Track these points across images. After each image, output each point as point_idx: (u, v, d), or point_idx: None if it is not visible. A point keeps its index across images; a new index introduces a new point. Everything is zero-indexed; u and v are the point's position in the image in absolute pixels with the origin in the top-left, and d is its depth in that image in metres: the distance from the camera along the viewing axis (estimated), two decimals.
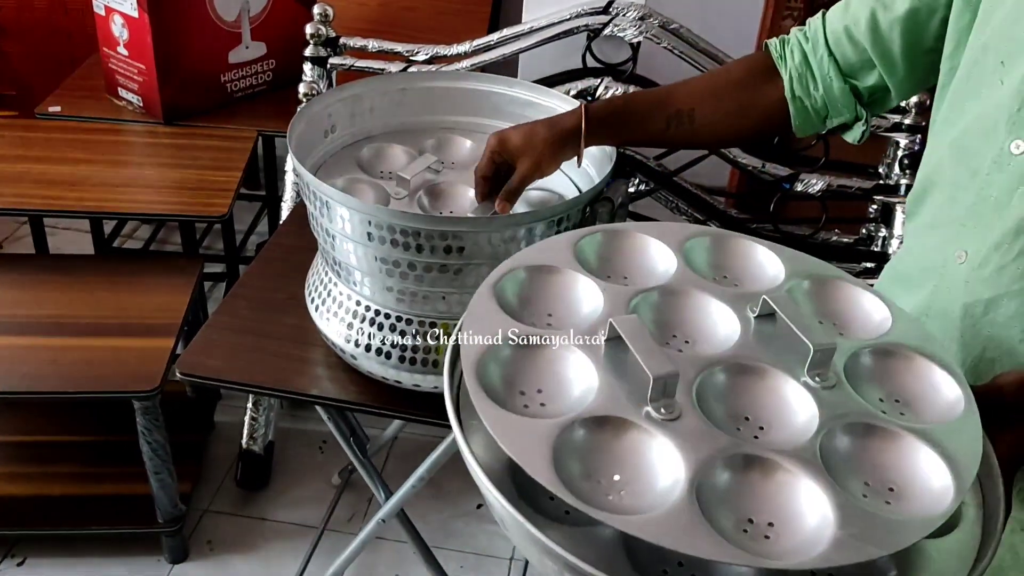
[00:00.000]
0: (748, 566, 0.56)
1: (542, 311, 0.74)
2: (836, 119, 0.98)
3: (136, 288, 1.72)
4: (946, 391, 0.68)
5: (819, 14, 0.98)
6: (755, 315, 0.72)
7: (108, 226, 2.34)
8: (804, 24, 1.00)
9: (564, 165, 1.03)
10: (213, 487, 1.89)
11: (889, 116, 1.74)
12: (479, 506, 1.90)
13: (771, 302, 0.70)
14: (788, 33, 1.00)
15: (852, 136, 1.00)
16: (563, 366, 0.68)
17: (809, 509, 0.59)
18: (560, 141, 0.99)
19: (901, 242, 1.71)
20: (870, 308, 0.76)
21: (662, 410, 0.63)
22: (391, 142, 1.19)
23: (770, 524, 0.59)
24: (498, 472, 0.64)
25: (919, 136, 1.74)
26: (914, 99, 1.72)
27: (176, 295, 1.69)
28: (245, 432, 1.85)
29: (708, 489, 0.59)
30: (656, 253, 0.79)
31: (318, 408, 1.23)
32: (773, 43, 1.00)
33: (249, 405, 1.84)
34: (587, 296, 0.74)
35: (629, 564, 0.60)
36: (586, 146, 0.99)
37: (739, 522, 0.59)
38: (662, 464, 0.61)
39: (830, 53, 0.95)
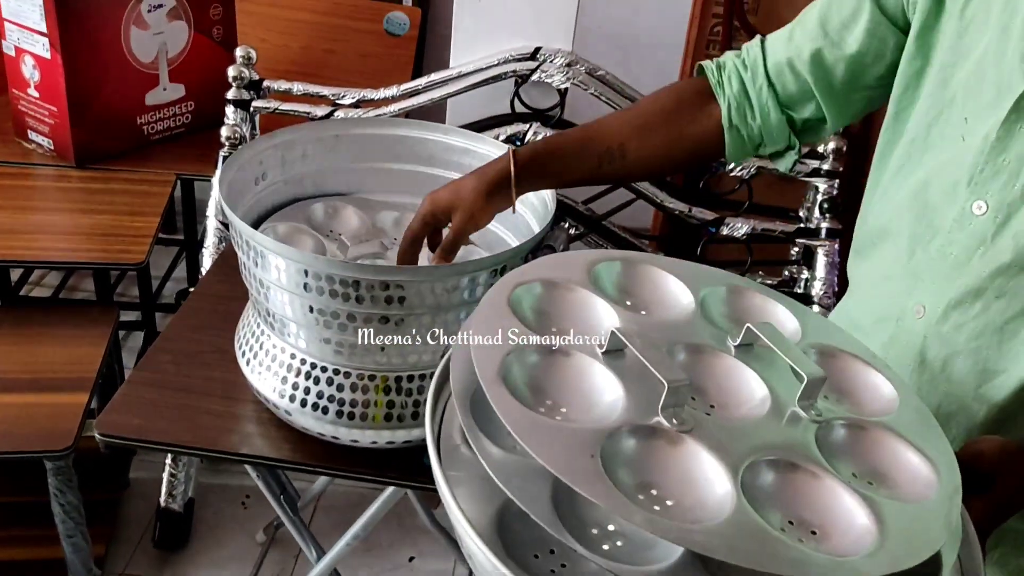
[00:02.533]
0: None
1: (551, 326, 0.73)
2: (770, 148, 0.98)
3: (46, 340, 1.64)
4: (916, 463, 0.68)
5: (756, 40, 0.98)
6: (736, 344, 0.72)
7: (15, 274, 2.23)
8: (737, 49, 0.99)
9: (503, 218, 1.01)
10: (129, 548, 1.80)
11: (808, 162, 1.79)
12: (411, 559, 1.85)
13: (756, 330, 0.70)
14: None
15: (784, 164, 0.99)
16: (582, 376, 0.66)
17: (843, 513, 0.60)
18: (490, 190, 0.94)
19: (827, 284, 1.76)
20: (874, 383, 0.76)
21: (674, 420, 0.62)
22: (345, 202, 1.17)
23: (812, 532, 0.60)
24: (485, 528, 0.61)
25: (837, 181, 1.80)
26: (832, 145, 1.77)
27: (89, 347, 1.61)
28: (164, 489, 1.77)
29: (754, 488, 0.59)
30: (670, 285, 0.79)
31: (248, 467, 1.18)
32: (709, 67, 0.98)
33: (168, 461, 1.76)
34: (601, 314, 0.73)
35: None
36: (519, 193, 0.96)
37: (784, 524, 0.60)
38: (704, 472, 0.60)
39: (770, 84, 0.95)
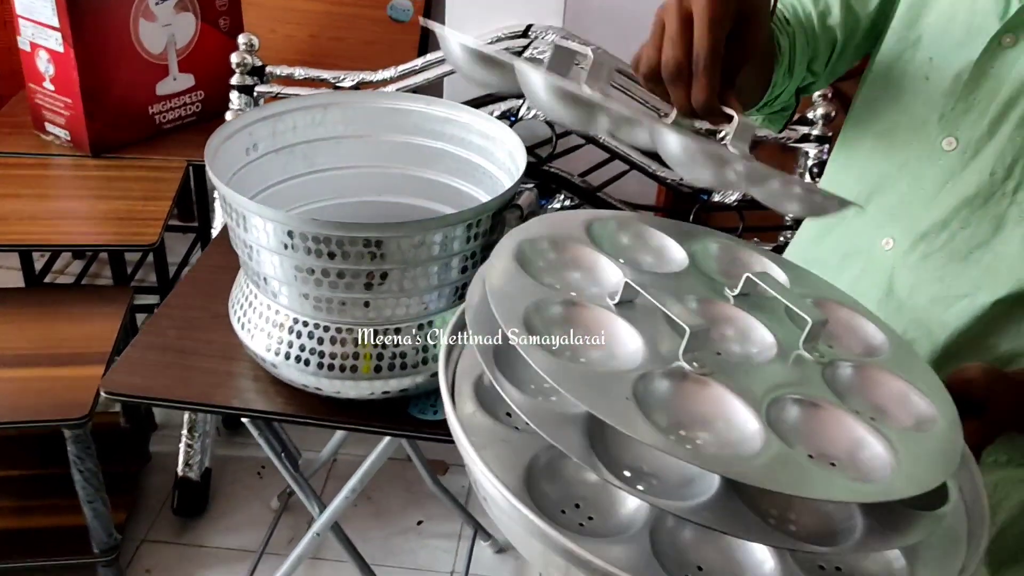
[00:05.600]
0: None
1: (560, 281, 0.75)
2: (776, 106, 0.95)
3: (66, 318, 1.72)
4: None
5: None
6: (735, 294, 0.74)
7: (39, 263, 2.33)
8: None
9: (467, 172, 1.04)
10: (150, 516, 1.88)
11: (798, 128, 1.82)
12: (419, 522, 1.92)
13: (756, 279, 0.73)
14: None
15: (776, 126, 0.99)
16: (600, 327, 0.68)
17: (862, 444, 0.63)
18: None
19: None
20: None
21: (695, 364, 0.64)
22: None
23: (832, 464, 0.63)
24: (513, 484, 0.63)
25: (827, 146, 1.83)
26: (820, 111, 1.80)
27: (106, 324, 1.70)
28: (181, 459, 1.85)
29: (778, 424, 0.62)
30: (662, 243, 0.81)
31: (246, 423, 1.25)
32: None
33: (184, 432, 1.84)
34: (605, 269, 0.75)
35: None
36: None
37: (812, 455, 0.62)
38: (730, 411, 0.62)
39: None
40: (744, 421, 0.61)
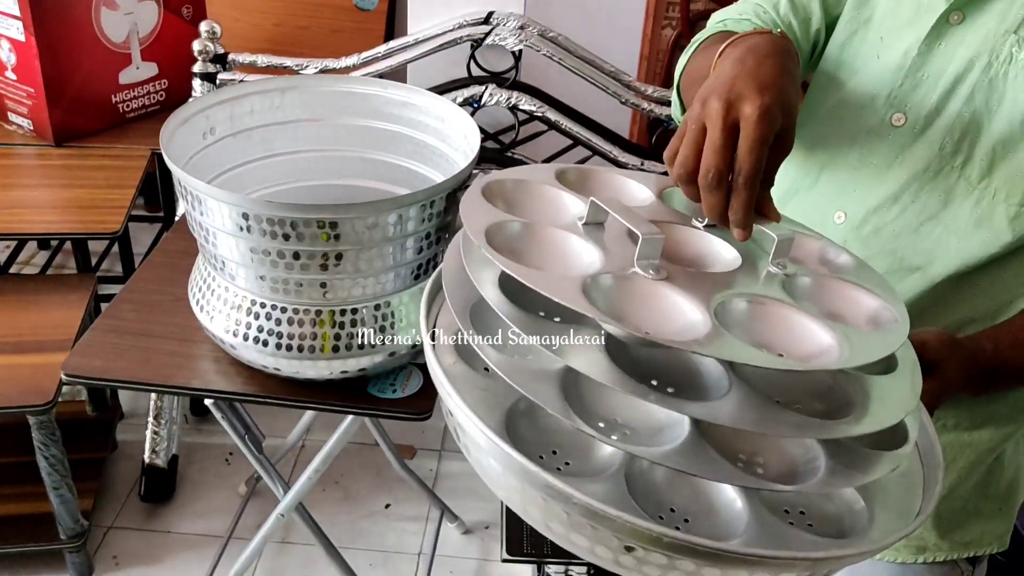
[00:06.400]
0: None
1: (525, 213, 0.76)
2: None
3: (29, 307, 1.72)
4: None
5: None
6: (703, 224, 0.75)
7: (3, 254, 2.32)
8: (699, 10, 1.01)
9: (425, 155, 1.06)
10: (117, 503, 1.89)
11: None
12: (387, 506, 1.94)
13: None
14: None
15: None
16: (561, 243, 0.70)
17: (810, 336, 0.65)
18: (783, 62, 0.71)
19: None
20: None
21: (651, 271, 0.65)
22: None
23: (780, 354, 0.64)
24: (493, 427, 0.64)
25: None
26: None
27: (70, 311, 1.70)
28: (147, 446, 1.86)
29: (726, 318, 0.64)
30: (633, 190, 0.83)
31: (209, 405, 1.27)
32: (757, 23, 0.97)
33: (150, 419, 1.85)
34: (570, 204, 0.77)
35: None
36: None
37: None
38: (679, 308, 0.64)
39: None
40: (689, 312, 0.62)
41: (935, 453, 0.71)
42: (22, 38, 1.92)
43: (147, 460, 1.86)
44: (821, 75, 0.94)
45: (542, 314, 0.71)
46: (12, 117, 2.07)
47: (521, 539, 1.46)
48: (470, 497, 1.97)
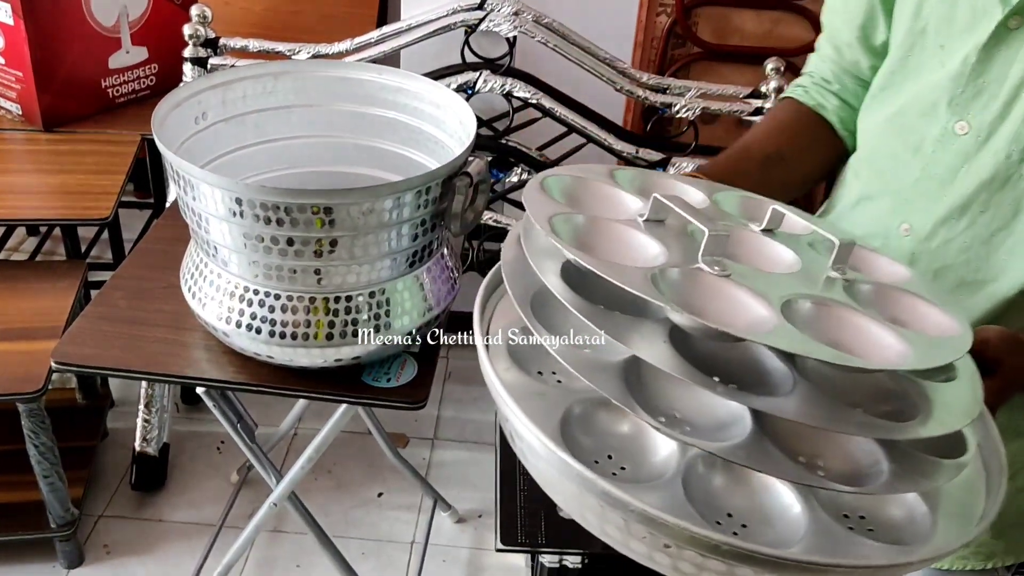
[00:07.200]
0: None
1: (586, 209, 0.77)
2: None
3: (18, 294, 1.70)
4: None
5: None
6: (761, 228, 0.76)
7: None
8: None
9: (420, 143, 1.05)
10: (108, 492, 1.88)
11: (751, 102, 1.84)
12: (380, 495, 1.93)
13: (782, 210, 0.75)
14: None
15: None
16: (623, 238, 0.70)
17: (876, 338, 0.64)
18: None
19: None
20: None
21: (715, 267, 0.66)
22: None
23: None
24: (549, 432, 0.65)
25: None
26: (773, 84, 1.83)
27: (59, 298, 1.68)
28: (138, 434, 1.84)
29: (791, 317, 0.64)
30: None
31: (201, 393, 1.25)
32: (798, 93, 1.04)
33: (141, 407, 1.83)
34: (628, 202, 0.77)
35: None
36: None
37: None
38: (745, 303, 0.64)
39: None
40: (756, 308, 0.63)
41: (999, 456, 0.70)
42: (11, 22, 1.90)
43: (138, 448, 1.85)
44: (882, 86, 0.93)
45: (602, 307, 0.70)
46: (1, 102, 2.05)
47: (515, 529, 1.45)
48: (463, 486, 1.97)
